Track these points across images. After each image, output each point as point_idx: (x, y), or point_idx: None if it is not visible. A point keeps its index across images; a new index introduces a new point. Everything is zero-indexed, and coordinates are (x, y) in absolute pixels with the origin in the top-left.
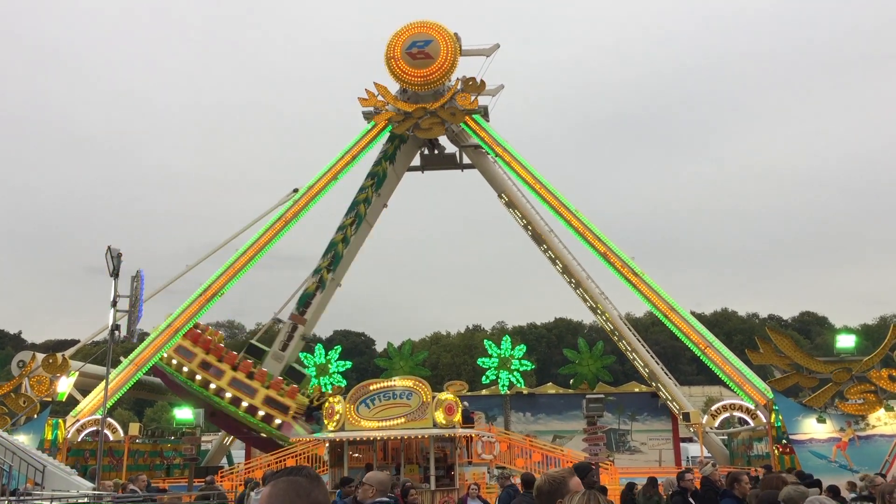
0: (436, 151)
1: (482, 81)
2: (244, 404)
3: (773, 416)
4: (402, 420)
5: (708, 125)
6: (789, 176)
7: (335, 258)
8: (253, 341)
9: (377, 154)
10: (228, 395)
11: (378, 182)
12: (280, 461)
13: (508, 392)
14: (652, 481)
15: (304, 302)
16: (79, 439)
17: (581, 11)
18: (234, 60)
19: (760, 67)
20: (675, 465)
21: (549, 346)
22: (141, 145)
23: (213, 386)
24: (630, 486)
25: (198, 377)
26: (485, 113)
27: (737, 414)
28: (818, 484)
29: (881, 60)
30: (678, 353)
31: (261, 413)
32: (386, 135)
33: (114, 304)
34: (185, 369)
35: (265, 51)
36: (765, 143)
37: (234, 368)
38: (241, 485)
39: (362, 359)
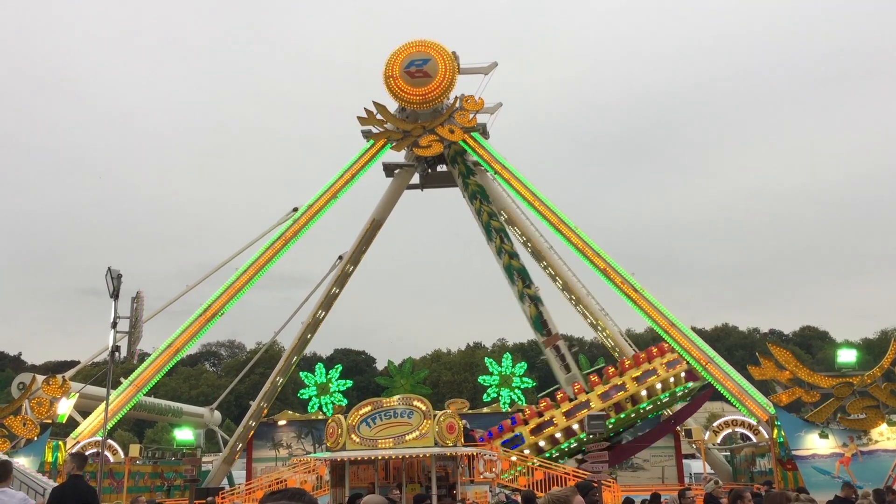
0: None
1: (480, 99)
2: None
3: (776, 431)
4: (404, 439)
5: (705, 143)
6: (786, 192)
7: (522, 274)
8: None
9: (457, 181)
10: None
11: (483, 196)
12: (280, 482)
13: (510, 409)
14: (655, 498)
15: (540, 323)
16: None
17: (579, 32)
18: (231, 81)
19: (755, 85)
20: (678, 481)
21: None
22: (138, 167)
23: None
24: (628, 502)
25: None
26: (483, 130)
27: (739, 430)
28: None
29: (873, 77)
30: None
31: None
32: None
33: (114, 325)
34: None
35: (263, 71)
36: (761, 160)
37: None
38: None
39: (363, 377)
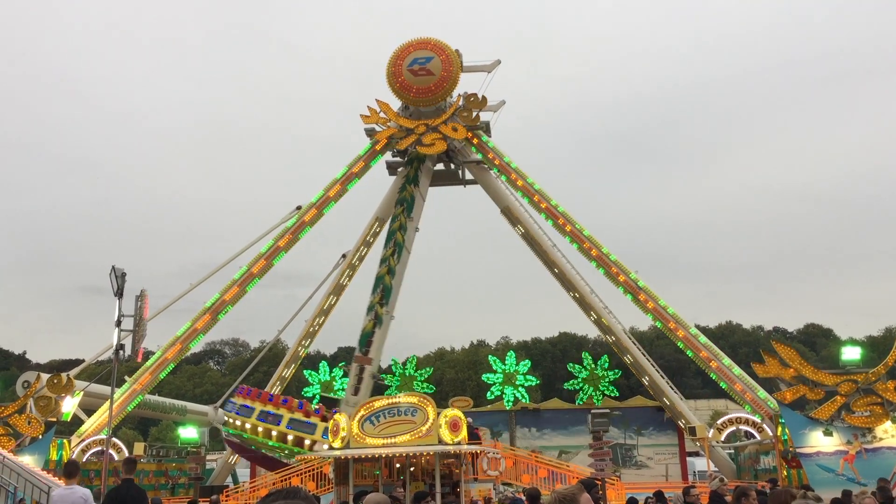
0: (452, 167)
1: (483, 97)
2: (307, 442)
3: (780, 429)
4: (408, 437)
5: (708, 141)
6: (789, 190)
7: (385, 292)
8: (322, 393)
9: (398, 179)
10: (290, 437)
11: (408, 207)
12: (285, 480)
13: (513, 408)
14: (660, 495)
15: (366, 342)
16: (84, 459)
17: (581, 30)
18: (233, 80)
19: (757, 85)
20: (682, 479)
21: (554, 360)
22: (140, 165)
23: (274, 433)
24: (632, 502)
25: (259, 429)
26: (487, 128)
27: (743, 427)
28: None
29: (878, 75)
30: (683, 366)
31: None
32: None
33: (118, 323)
34: (248, 426)
35: (265, 70)
36: (764, 158)
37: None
38: None
39: None
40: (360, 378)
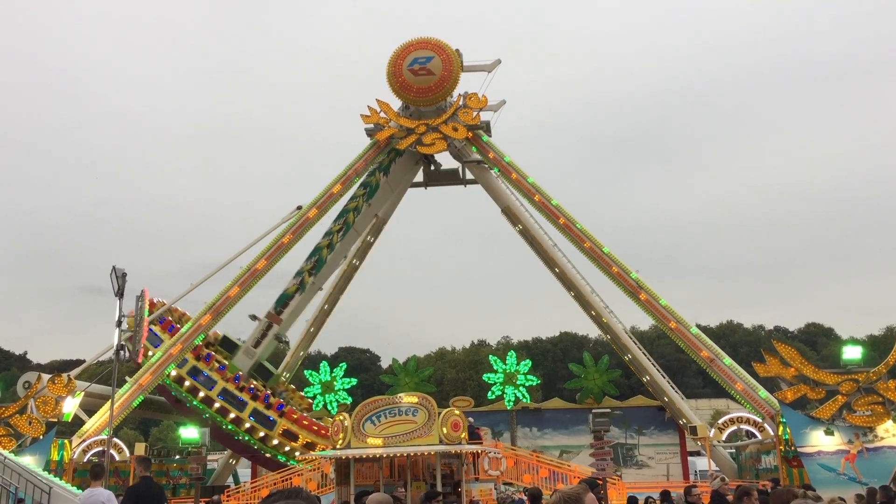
0: (432, 167)
1: (484, 97)
2: (231, 416)
3: (781, 428)
4: (409, 437)
5: (708, 140)
6: (790, 189)
7: (319, 262)
8: (227, 334)
9: (373, 166)
10: (217, 405)
11: (370, 192)
12: (286, 480)
13: (514, 407)
14: (665, 495)
15: (283, 302)
16: (84, 460)
17: (582, 30)
18: (233, 80)
19: (758, 84)
20: (683, 479)
21: (555, 360)
22: (141, 166)
23: (201, 394)
24: (632, 500)
25: (187, 383)
26: (487, 128)
27: (744, 427)
28: None
29: (878, 75)
30: (684, 365)
31: (275, 441)
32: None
33: (119, 323)
34: (187, 384)
35: (265, 70)
36: (765, 158)
37: (241, 389)
38: None
39: (367, 375)
40: (264, 334)
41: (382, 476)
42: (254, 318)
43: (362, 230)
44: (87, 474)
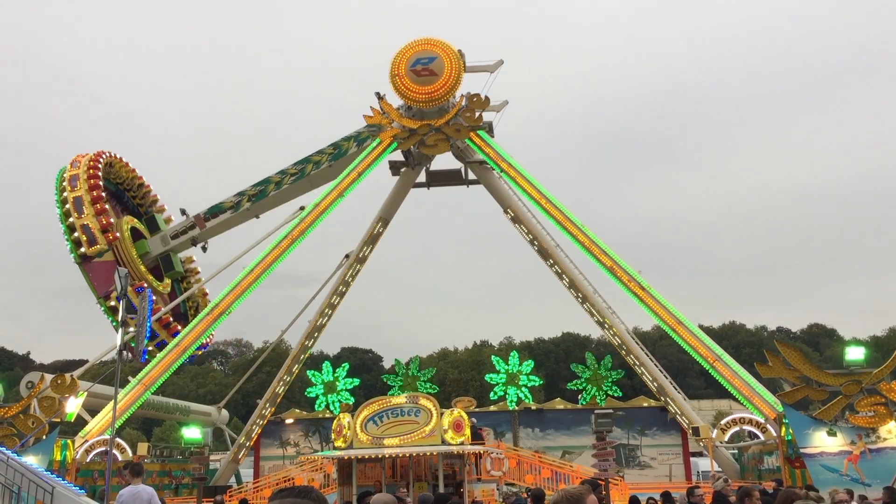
0: (402, 169)
1: (486, 97)
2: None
3: (784, 429)
4: (411, 437)
5: (711, 141)
6: (792, 189)
7: (262, 193)
8: (156, 216)
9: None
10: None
11: (337, 154)
12: (287, 480)
13: (517, 408)
14: (667, 496)
15: (214, 212)
16: (87, 460)
17: (585, 29)
18: (233, 81)
19: (759, 84)
20: (686, 479)
21: (557, 361)
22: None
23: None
24: (634, 501)
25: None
26: (490, 129)
27: (747, 428)
28: None
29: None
30: (686, 366)
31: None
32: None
33: (122, 323)
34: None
35: (266, 71)
36: (767, 158)
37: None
38: None
39: (370, 376)
40: (185, 231)
41: (385, 476)
42: (184, 212)
43: (316, 185)
44: (90, 474)
